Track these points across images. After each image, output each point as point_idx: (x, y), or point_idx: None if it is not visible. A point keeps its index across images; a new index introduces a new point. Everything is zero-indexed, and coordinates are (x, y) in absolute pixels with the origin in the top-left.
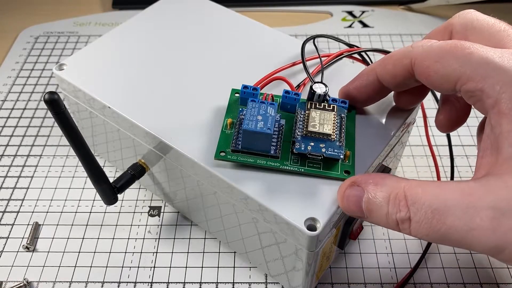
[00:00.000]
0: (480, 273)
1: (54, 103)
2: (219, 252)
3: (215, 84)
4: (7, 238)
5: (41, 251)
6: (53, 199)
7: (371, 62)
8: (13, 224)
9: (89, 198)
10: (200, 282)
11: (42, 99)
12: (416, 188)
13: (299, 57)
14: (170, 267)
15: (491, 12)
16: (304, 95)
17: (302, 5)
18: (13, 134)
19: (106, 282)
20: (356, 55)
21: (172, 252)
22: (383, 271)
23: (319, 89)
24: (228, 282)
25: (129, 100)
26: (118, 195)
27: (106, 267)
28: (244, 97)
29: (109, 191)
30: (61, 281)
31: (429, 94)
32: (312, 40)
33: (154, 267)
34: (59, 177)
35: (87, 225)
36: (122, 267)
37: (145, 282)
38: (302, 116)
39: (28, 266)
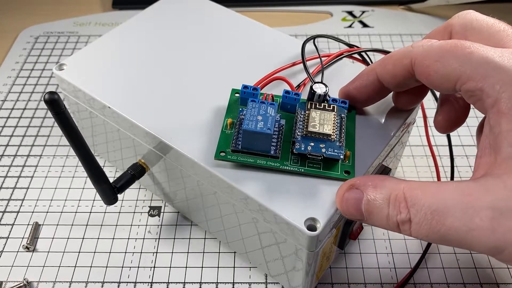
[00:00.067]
0: (480, 273)
1: (54, 103)
2: (219, 252)
3: (215, 84)
4: (7, 238)
5: (41, 251)
6: (53, 199)
7: (371, 62)
8: (13, 224)
9: (89, 198)
10: (200, 282)
11: (42, 99)
12: (416, 189)
13: (299, 57)
14: (170, 267)
15: (491, 12)
16: (304, 95)
17: (302, 5)
18: (13, 134)
19: (106, 282)
20: (356, 55)
21: (172, 252)
22: (383, 271)
23: (319, 89)
24: (228, 282)
25: (129, 100)
26: (118, 195)
27: (106, 267)
28: (244, 97)
29: (109, 191)
30: (61, 281)
31: (430, 94)
32: (312, 40)
33: (154, 267)
34: (59, 177)
35: (87, 225)
36: (122, 267)
37: (145, 282)
38: (302, 116)
39: (28, 266)
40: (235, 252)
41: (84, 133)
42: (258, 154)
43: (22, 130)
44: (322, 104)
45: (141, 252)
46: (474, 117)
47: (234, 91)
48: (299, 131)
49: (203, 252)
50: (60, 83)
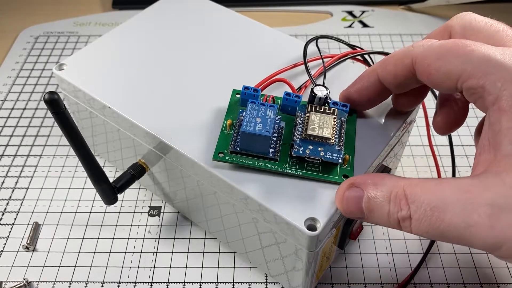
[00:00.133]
0: (480, 273)
1: (54, 103)
2: (219, 252)
3: (215, 84)
4: (7, 238)
5: (41, 251)
6: (53, 199)
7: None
8: (13, 224)
9: (89, 198)
10: (200, 282)
11: (42, 99)
12: (416, 186)
13: (300, 58)
14: (170, 267)
15: (491, 12)
16: (305, 98)
17: (302, 5)
18: (13, 134)
19: (106, 282)
20: (359, 57)
21: (172, 252)
22: (383, 271)
23: (320, 92)
24: (228, 282)
25: (129, 100)
26: (118, 195)
27: (106, 267)
28: (244, 98)
29: (109, 191)
30: (61, 281)
31: (431, 95)
32: (314, 41)
33: (154, 267)
34: (59, 177)
35: (87, 225)
36: (122, 267)
37: (145, 282)
38: (301, 119)
39: (28, 266)
40: (235, 252)
41: (84, 133)
42: (256, 156)
43: (22, 130)
44: (323, 107)
45: (141, 252)
46: (474, 117)
47: (235, 92)
48: (298, 134)
49: (203, 252)
50: (60, 83)
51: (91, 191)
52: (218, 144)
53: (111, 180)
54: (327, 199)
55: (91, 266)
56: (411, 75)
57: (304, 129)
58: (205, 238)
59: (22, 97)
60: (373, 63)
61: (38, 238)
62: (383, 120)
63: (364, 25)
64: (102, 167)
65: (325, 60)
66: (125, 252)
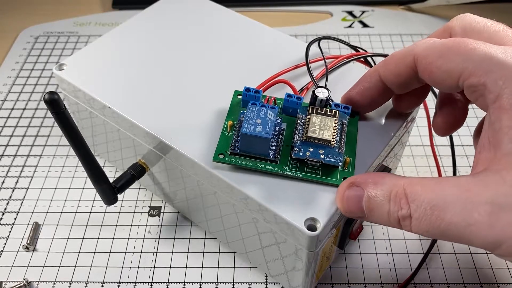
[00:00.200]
0: (480, 273)
1: (54, 103)
2: (219, 252)
3: (215, 84)
4: (7, 238)
5: (41, 251)
6: (53, 199)
7: None
8: (13, 224)
9: (89, 198)
10: (200, 282)
11: (42, 99)
12: (416, 185)
13: (300, 59)
14: (170, 267)
15: (490, 12)
16: (307, 99)
17: (302, 5)
18: (13, 134)
19: (106, 282)
20: (362, 59)
21: (172, 252)
22: (383, 271)
23: (321, 93)
24: (228, 282)
25: (129, 100)
26: (118, 195)
27: (106, 267)
28: (246, 99)
29: (109, 191)
30: (61, 281)
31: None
32: (317, 42)
33: (154, 267)
34: (59, 177)
35: (87, 225)
36: (122, 267)
37: (145, 282)
38: (302, 121)
39: (28, 266)
40: (235, 252)
41: (84, 133)
42: (257, 157)
43: (22, 130)
44: (324, 109)
45: (141, 252)
46: (474, 117)
47: (236, 93)
48: (298, 136)
49: (203, 252)
50: (60, 83)
51: (91, 191)
52: (219, 145)
53: (111, 180)
54: (327, 199)
55: (91, 266)
56: (413, 74)
57: (305, 131)
58: (205, 238)
59: (22, 97)
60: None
61: (38, 238)
62: (383, 120)
63: (364, 25)
64: (102, 167)
65: (327, 61)
66: (125, 252)
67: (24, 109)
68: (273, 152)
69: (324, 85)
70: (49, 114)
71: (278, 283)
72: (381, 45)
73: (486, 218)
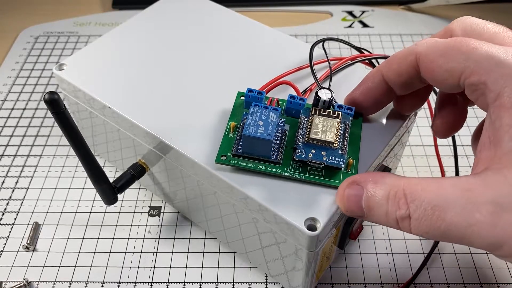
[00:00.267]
0: (480, 273)
1: (54, 103)
2: (219, 252)
3: (215, 85)
4: (7, 238)
5: (41, 251)
6: (53, 199)
7: None
8: (13, 224)
9: (89, 198)
10: (200, 282)
11: (42, 99)
12: (416, 185)
13: (300, 59)
14: (170, 267)
15: (491, 12)
16: (310, 101)
17: (302, 5)
18: (13, 134)
19: (106, 282)
20: (366, 61)
21: (172, 252)
22: (383, 271)
23: (324, 95)
24: (228, 282)
25: (129, 100)
26: (118, 195)
27: (106, 267)
28: (248, 101)
29: (109, 191)
30: (61, 281)
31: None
32: (321, 43)
33: (154, 267)
34: (59, 177)
35: (87, 225)
36: (122, 267)
37: (145, 282)
38: (305, 122)
39: (28, 266)
40: (235, 252)
41: (84, 133)
42: (259, 159)
43: (22, 130)
44: (327, 110)
45: (141, 252)
46: (474, 117)
47: (239, 94)
48: (300, 138)
49: (203, 252)
50: (60, 83)
51: (91, 191)
52: (221, 146)
53: (111, 180)
54: (327, 199)
55: (91, 266)
56: (415, 73)
57: (307, 132)
58: (205, 238)
59: (22, 97)
60: None
61: (38, 238)
62: (383, 120)
63: (364, 25)
64: (102, 167)
65: (331, 63)
66: (125, 252)
67: (24, 109)
68: (275, 153)
69: (327, 87)
70: (49, 114)
71: (278, 283)
72: (381, 45)
73: (488, 218)
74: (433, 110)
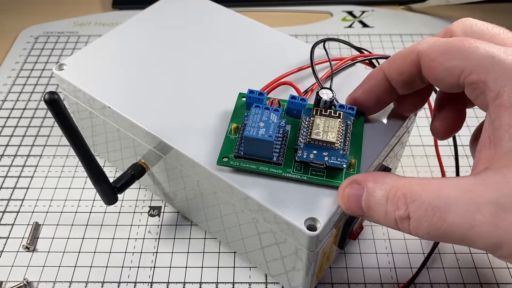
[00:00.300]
0: (480, 273)
1: (54, 103)
2: (219, 252)
3: (215, 85)
4: (7, 238)
5: (41, 251)
6: (53, 199)
7: None
8: (13, 224)
9: (89, 198)
10: (200, 282)
11: (42, 99)
12: (416, 185)
13: (300, 59)
14: (170, 267)
15: (491, 12)
16: (311, 101)
17: (302, 5)
18: (13, 134)
19: (106, 282)
20: (367, 61)
21: (172, 252)
22: (383, 271)
23: (325, 95)
24: (228, 282)
25: (129, 100)
26: (118, 195)
27: (106, 267)
28: (249, 102)
29: (109, 191)
30: (61, 281)
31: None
32: (322, 44)
33: (154, 267)
34: (59, 177)
35: (87, 225)
36: (122, 267)
37: (145, 282)
38: (306, 122)
39: (28, 266)
40: (235, 252)
41: (84, 133)
42: (260, 160)
43: (22, 130)
44: (328, 110)
45: (141, 252)
46: (475, 117)
47: (241, 95)
48: (302, 138)
49: (203, 252)
50: (60, 83)
51: (91, 191)
52: (223, 148)
53: (111, 180)
54: (327, 199)
55: (91, 266)
56: (416, 72)
57: (308, 133)
58: (205, 238)
59: (22, 97)
60: None
61: (38, 238)
62: (383, 120)
63: (364, 25)
64: (102, 167)
65: (333, 63)
66: (125, 252)
67: (24, 109)
68: (277, 154)
69: (329, 87)
70: (49, 114)
71: (278, 283)
72: (381, 45)
73: (490, 218)
74: (433, 112)
